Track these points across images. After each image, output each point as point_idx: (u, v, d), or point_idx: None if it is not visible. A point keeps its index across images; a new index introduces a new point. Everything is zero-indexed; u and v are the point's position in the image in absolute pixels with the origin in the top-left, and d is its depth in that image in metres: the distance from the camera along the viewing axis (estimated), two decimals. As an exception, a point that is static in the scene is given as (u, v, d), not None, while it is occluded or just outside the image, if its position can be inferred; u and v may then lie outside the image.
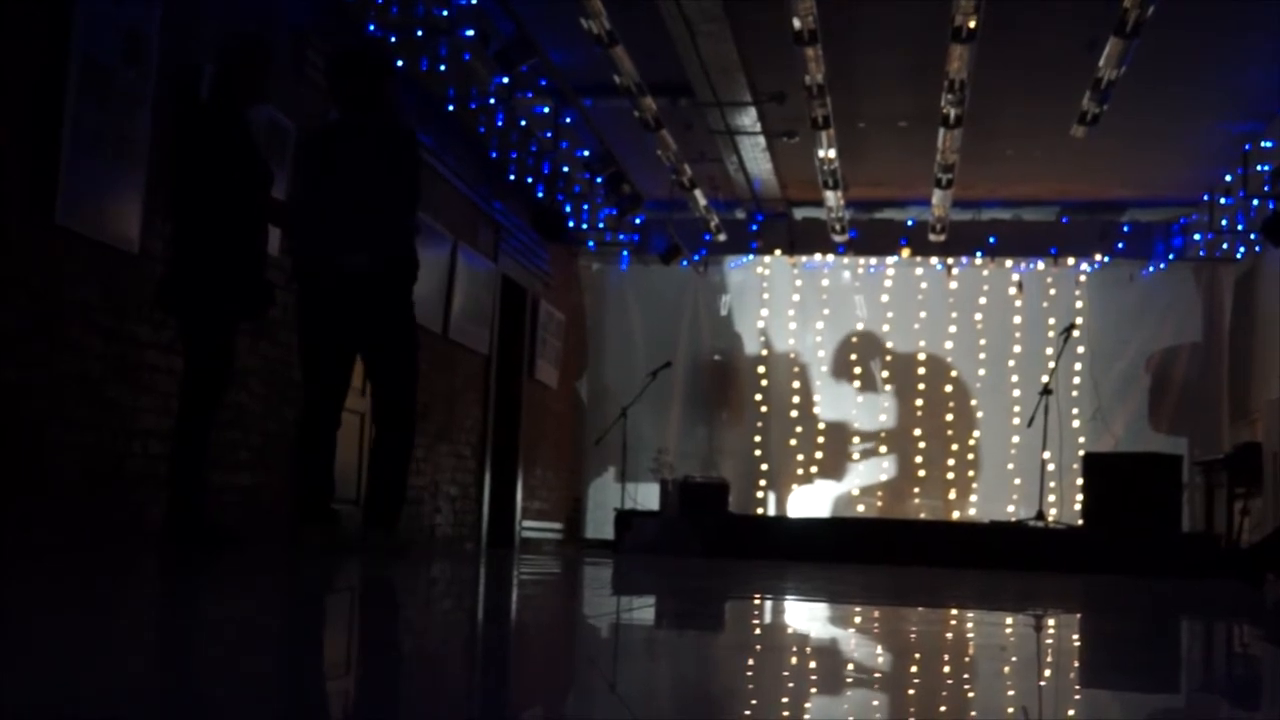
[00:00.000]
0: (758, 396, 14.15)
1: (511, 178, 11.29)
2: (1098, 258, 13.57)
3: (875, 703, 1.79)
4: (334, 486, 5.83)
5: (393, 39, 8.35)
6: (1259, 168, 11.23)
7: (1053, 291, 13.68)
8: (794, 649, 2.49)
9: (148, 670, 1.68)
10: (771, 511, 13.87)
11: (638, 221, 13.51)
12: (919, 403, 13.81)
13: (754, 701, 1.71)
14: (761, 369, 14.15)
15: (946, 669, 2.28)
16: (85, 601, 2.68)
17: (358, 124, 5.77)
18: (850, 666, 2.26)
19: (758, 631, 2.96)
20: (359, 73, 5.83)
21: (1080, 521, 11.47)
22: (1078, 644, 3.06)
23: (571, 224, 12.32)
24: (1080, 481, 11.83)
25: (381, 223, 5.63)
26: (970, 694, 1.90)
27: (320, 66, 7.97)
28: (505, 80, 9.47)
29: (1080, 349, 13.10)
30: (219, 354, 5.58)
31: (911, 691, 1.93)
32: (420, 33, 8.68)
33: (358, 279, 5.62)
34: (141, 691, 1.47)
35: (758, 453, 14.09)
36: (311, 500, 5.69)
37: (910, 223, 13.76)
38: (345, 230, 5.62)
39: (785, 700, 1.73)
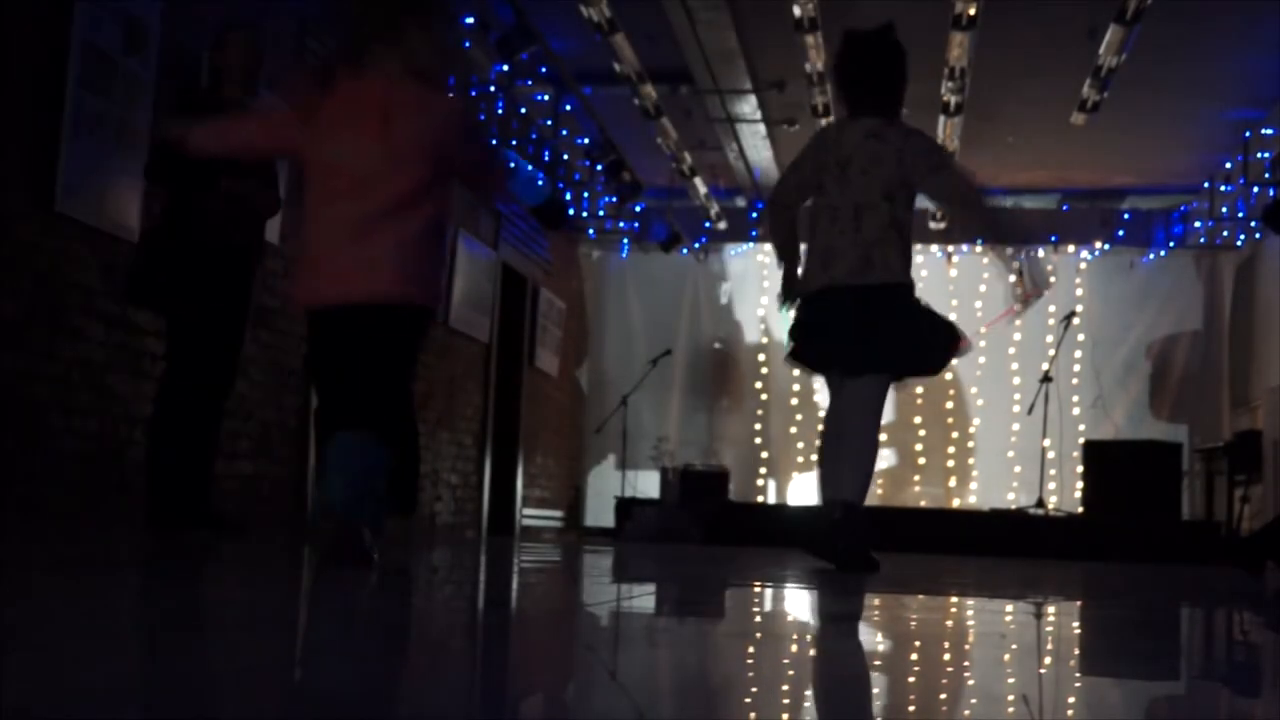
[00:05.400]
0: (758, 384, 14.15)
1: (512, 165, 11.27)
2: (1098, 245, 13.56)
3: (875, 690, 1.79)
4: None
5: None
6: (1259, 155, 11.22)
7: (1053, 279, 13.67)
8: (794, 637, 2.49)
9: (150, 663, 1.68)
10: (772, 499, 13.88)
11: (638, 209, 13.50)
12: (919, 390, 13.79)
13: (753, 689, 1.72)
14: (762, 357, 14.15)
15: (946, 656, 2.28)
16: (87, 592, 2.69)
17: None
18: (850, 654, 2.26)
19: (757, 619, 2.96)
20: None
21: (1080, 509, 11.48)
22: (1078, 631, 3.07)
23: (571, 212, 12.31)
24: (1080, 469, 11.84)
25: None
26: (970, 681, 1.90)
27: (320, 53, 7.95)
28: (505, 68, 9.46)
29: (1080, 336, 13.08)
30: (206, 346, 5.44)
31: (911, 679, 1.93)
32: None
33: None
34: (146, 683, 1.47)
35: (758, 440, 14.09)
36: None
37: (911, 210, 13.74)
38: None
39: (785, 688, 1.73)
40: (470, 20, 8.84)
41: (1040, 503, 11.09)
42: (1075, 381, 13.40)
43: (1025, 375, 13.13)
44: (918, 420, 13.79)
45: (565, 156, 11.84)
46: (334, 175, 3.42)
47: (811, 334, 5.00)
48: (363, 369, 3.46)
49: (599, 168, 11.84)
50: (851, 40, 5.18)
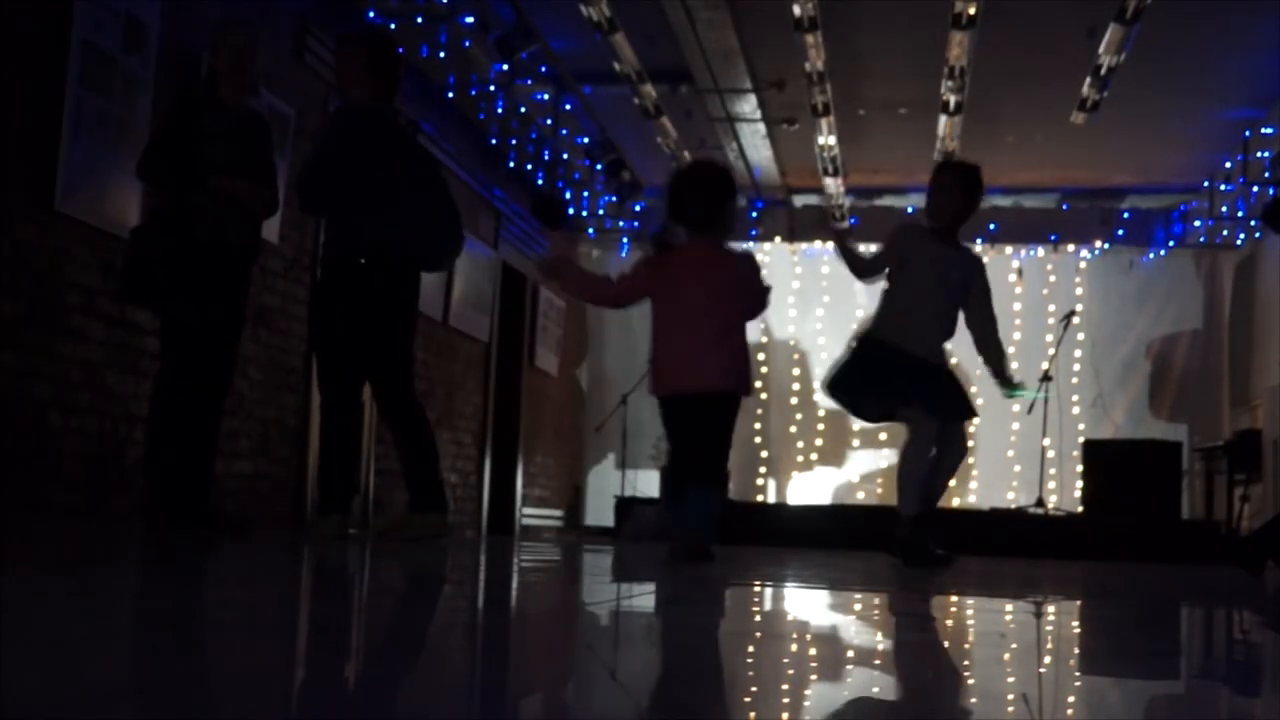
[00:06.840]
0: (758, 384, 14.13)
1: (511, 165, 11.28)
2: (1098, 244, 13.56)
3: (875, 689, 1.79)
4: (358, 482, 5.79)
5: (392, 26, 8.33)
6: (1259, 154, 11.22)
7: (1053, 278, 13.66)
8: (794, 635, 2.49)
9: (150, 663, 1.68)
10: (771, 499, 13.87)
11: (638, 208, 13.50)
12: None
13: (753, 689, 1.72)
14: (761, 356, 14.14)
15: (946, 655, 2.28)
16: (87, 591, 2.69)
17: (387, 112, 5.61)
18: (850, 653, 2.26)
19: (758, 618, 2.96)
20: (392, 58, 5.68)
21: (1080, 508, 11.48)
22: (1077, 631, 3.07)
23: (571, 211, 12.31)
24: (1080, 468, 11.84)
25: (430, 212, 5.52)
26: (970, 680, 1.90)
27: (319, 53, 7.95)
28: (505, 67, 9.47)
29: (1080, 336, 13.08)
30: (201, 345, 5.42)
31: (911, 679, 1.93)
32: (420, 19, 8.67)
33: (407, 267, 5.53)
34: (146, 683, 1.47)
35: (758, 440, 14.09)
36: (334, 493, 5.57)
37: (910, 209, 13.73)
38: (393, 220, 5.46)
39: (785, 687, 1.73)
40: (470, 19, 8.84)
41: (1040, 502, 11.08)
42: (1075, 380, 13.40)
43: (1025, 375, 13.06)
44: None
45: (565, 156, 11.84)
46: (680, 309, 5.02)
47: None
48: (705, 436, 5.14)
49: (599, 167, 11.84)
50: (956, 170, 6.59)
